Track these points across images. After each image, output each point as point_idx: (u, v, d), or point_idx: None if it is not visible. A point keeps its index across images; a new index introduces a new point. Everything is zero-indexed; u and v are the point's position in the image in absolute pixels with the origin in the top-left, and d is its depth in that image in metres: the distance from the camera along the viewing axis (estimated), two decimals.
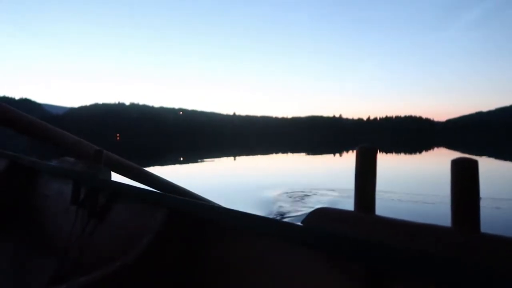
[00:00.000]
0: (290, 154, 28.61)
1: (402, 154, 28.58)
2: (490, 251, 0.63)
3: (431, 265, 0.62)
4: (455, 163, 0.68)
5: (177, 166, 17.02)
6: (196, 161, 20.65)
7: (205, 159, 22.14)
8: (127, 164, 1.73)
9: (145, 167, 1.83)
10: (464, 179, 0.65)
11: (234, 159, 22.64)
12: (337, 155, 28.17)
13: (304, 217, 0.94)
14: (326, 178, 11.71)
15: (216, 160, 21.77)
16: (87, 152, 1.67)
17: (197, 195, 1.76)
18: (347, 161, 20.13)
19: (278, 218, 4.82)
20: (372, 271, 0.74)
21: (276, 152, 31.05)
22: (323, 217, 0.91)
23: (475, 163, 0.66)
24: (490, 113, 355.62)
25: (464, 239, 0.67)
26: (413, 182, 10.51)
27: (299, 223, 0.90)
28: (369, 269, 0.75)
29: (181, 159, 21.91)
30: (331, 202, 6.81)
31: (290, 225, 0.88)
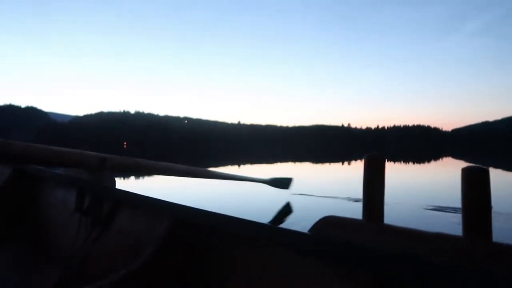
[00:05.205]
0: (297, 163, 28.51)
1: (411, 163, 28.42)
2: (502, 260, 0.62)
3: (441, 275, 0.60)
4: (465, 172, 0.67)
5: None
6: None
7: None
8: (134, 162, 1.73)
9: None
10: (475, 187, 0.65)
11: (239, 167, 22.62)
12: (346, 163, 28.04)
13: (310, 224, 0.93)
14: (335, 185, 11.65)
15: (222, 168, 21.75)
16: (91, 162, 1.67)
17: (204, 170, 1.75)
18: (357, 169, 20.01)
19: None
20: (380, 280, 0.73)
21: (281, 161, 30.96)
22: (330, 225, 0.90)
23: (486, 172, 0.66)
24: (496, 123, 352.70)
25: (475, 248, 0.66)
26: (421, 192, 10.41)
27: (305, 232, 0.89)
28: (376, 278, 0.73)
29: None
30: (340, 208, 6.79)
31: (296, 233, 0.87)
